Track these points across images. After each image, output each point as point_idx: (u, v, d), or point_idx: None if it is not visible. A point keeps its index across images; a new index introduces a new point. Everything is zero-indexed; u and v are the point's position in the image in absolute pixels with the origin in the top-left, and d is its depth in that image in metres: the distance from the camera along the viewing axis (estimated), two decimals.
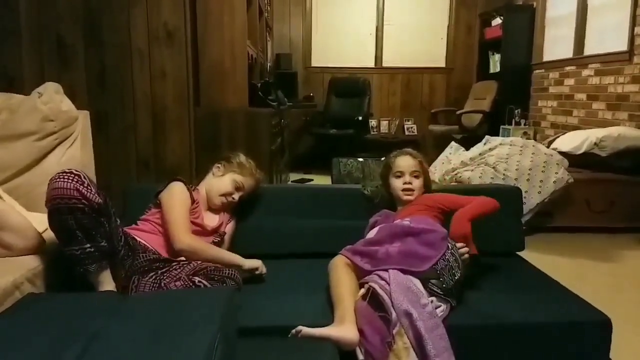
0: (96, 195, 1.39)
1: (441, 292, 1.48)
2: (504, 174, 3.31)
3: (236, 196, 1.87)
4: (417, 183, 1.89)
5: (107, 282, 1.44)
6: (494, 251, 1.89)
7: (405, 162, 1.91)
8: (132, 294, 1.47)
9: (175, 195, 1.72)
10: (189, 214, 1.71)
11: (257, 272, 1.68)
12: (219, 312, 1.13)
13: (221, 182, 1.87)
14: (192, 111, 2.95)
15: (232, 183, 1.86)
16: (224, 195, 1.85)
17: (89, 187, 1.38)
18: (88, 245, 1.39)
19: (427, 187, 1.95)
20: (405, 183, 1.87)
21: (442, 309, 1.46)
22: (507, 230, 2.04)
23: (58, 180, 1.35)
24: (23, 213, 1.65)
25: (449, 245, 1.58)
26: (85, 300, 1.31)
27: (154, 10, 2.83)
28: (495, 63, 5.91)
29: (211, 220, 1.82)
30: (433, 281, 1.49)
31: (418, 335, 1.33)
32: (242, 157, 1.94)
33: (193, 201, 1.76)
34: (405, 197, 1.87)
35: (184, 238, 1.62)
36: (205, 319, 1.09)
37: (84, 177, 1.38)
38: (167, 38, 2.86)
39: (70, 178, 1.35)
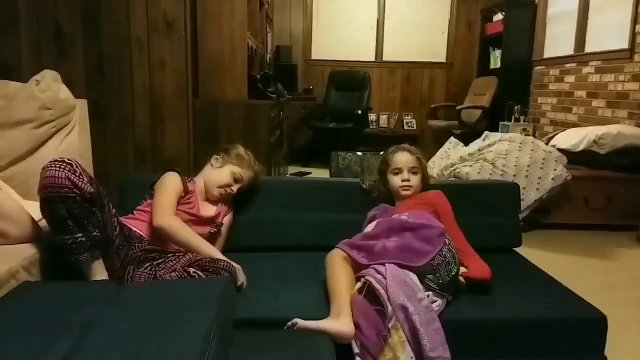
0: (88, 184, 1.38)
1: (437, 287, 1.48)
2: (502, 170, 3.31)
3: (234, 188, 1.86)
4: (415, 179, 1.88)
5: (99, 272, 1.43)
6: (490, 247, 1.89)
7: (403, 158, 1.90)
8: (127, 284, 1.47)
9: (166, 183, 1.72)
10: (176, 201, 1.70)
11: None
12: (214, 303, 1.13)
13: (219, 173, 1.86)
14: (190, 102, 2.93)
15: (230, 175, 1.85)
16: (222, 186, 1.84)
17: (80, 176, 1.37)
18: (80, 234, 1.38)
19: (425, 183, 1.94)
20: (403, 180, 1.87)
21: (438, 303, 1.46)
22: (504, 226, 2.05)
23: (50, 168, 1.35)
24: (20, 201, 1.65)
25: (446, 240, 1.58)
26: (80, 289, 1.31)
27: (153, 0, 2.81)
28: (495, 59, 5.89)
29: (208, 210, 1.82)
30: (429, 276, 1.49)
31: (414, 329, 1.33)
32: (241, 149, 1.93)
33: (187, 192, 1.75)
34: (404, 193, 1.86)
35: (165, 217, 1.61)
36: (200, 310, 1.09)
37: (76, 166, 1.38)
38: (167, 28, 2.84)
39: (62, 167, 1.35)
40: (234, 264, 1.56)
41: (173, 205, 1.67)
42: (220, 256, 1.59)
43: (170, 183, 1.72)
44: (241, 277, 1.55)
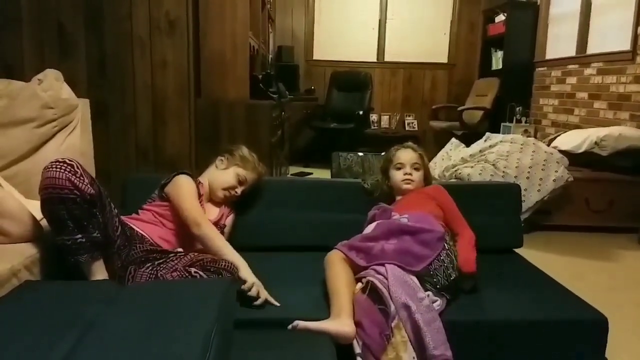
0: (89, 186, 1.38)
1: (435, 290, 1.48)
2: (503, 172, 3.31)
3: (239, 190, 1.86)
4: (417, 175, 1.91)
5: (98, 273, 1.43)
6: (491, 247, 1.89)
7: (406, 154, 1.94)
8: (128, 284, 1.47)
9: (186, 187, 1.71)
10: None
11: (245, 288, 1.47)
12: (216, 303, 1.13)
13: (224, 175, 1.86)
14: (192, 102, 2.94)
15: (235, 177, 1.85)
16: (227, 189, 1.84)
17: (81, 178, 1.37)
18: (79, 235, 1.38)
19: (427, 181, 1.96)
20: (405, 174, 1.89)
21: (439, 303, 1.46)
22: (505, 227, 2.04)
23: (51, 169, 1.35)
24: (22, 200, 1.65)
25: (445, 245, 1.58)
26: (82, 288, 1.31)
27: None
28: (497, 60, 5.88)
29: (212, 213, 1.82)
30: (427, 278, 1.49)
31: (416, 328, 1.33)
32: (245, 151, 1.93)
33: (199, 195, 1.75)
34: (405, 187, 1.88)
35: (204, 224, 1.62)
36: (202, 310, 1.09)
37: (77, 167, 1.37)
38: (169, 27, 2.84)
39: (63, 168, 1.35)
40: (255, 279, 1.51)
41: (203, 211, 1.69)
42: (242, 265, 1.54)
43: (190, 187, 1.72)
44: (262, 293, 1.48)
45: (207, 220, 1.66)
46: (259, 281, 1.51)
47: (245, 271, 1.52)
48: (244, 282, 1.49)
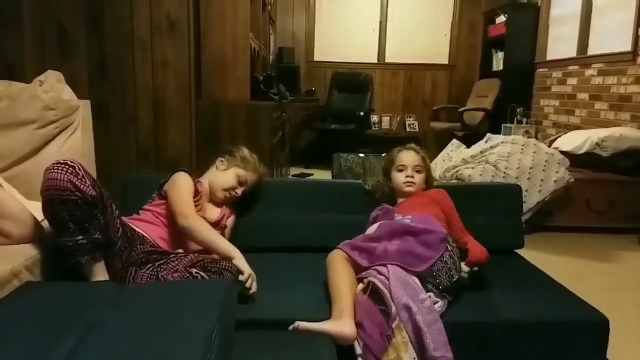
0: (90, 187, 1.38)
1: (437, 291, 1.48)
2: (504, 172, 3.31)
3: (239, 191, 1.86)
4: (418, 177, 1.90)
5: (99, 274, 1.43)
6: (493, 248, 1.88)
7: (408, 156, 1.93)
8: (129, 285, 1.47)
9: (181, 183, 1.71)
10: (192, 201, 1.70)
11: (242, 279, 1.48)
12: (217, 303, 1.13)
13: (225, 176, 1.86)
14: (193, 103, 2.94)
15: (235, 178, 1.85)
16: (227, 189, 1.84)
17: (83, 179, 1.37)
18: (80, 237, 1.38)
19: (429, 183, 1.96)
20: (407, 176, 1.88)
21: (440, 304, 1.46)
22: (506, 227, 2.04)
23: (52, 170, 1.35)
24: (22, 201, 1.65)
25: (448, 246, 1.58)
26: (83, 289, 1.31)
27: (156, 0, 2.81)
28: (498, 61, 5.89)
29: (213, 213, 1.82)
30: (429, 279, 1.49)
31: (417, 329, 1.33)
32: (246, 151, 1.92)
33: (197, 193, 1.75)
34: (407, 189, 1.88)
35: (190, 216, 1.61)
36: (203, 311, 1.09)
37: (79, 169, 1.37)
38: (170, 29, 2.84)
39: (65, 169, 1.35)
40: (247, 267, 1.51)
41: (193, 205, 1.68)
42: (237, 254, 1.55)
43: (185, 183, 1.72)
44: (254, 286, 1.50)
45: (194, 213, 1.64)
46: (252, 272, 1.51)
47: (240, 261, 1.52)
48: (241, 272, 1.49)
